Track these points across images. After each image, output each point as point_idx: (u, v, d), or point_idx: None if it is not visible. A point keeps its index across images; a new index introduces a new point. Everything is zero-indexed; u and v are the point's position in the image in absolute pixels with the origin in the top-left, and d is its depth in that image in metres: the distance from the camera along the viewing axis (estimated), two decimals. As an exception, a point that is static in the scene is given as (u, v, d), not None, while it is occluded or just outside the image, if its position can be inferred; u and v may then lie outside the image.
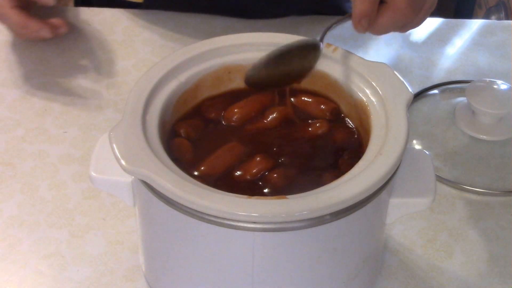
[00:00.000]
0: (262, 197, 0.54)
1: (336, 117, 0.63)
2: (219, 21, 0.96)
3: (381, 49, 0.94)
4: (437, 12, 0.94)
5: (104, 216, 0.73)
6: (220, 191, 0.53)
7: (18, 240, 0.71)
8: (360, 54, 0.68)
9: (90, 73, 0.89)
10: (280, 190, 0.57)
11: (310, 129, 0.62)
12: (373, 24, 0.63)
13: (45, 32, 0.86)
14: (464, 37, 0.96)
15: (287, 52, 0.62)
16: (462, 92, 0.86)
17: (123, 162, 0.55)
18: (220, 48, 0.65)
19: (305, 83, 0.65)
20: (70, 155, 0.79)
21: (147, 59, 0.91)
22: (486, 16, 1.59)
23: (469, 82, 0.84)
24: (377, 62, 0.64)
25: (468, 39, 0.96)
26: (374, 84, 0.62)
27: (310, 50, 0.62)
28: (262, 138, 0.61)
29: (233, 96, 0.65)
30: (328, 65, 0.64)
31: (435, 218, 0.74)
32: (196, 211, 0.54)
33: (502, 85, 0.82)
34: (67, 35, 0.93)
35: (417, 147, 0.81)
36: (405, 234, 0.73)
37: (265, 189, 0.57)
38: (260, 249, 0.56)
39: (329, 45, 0.65)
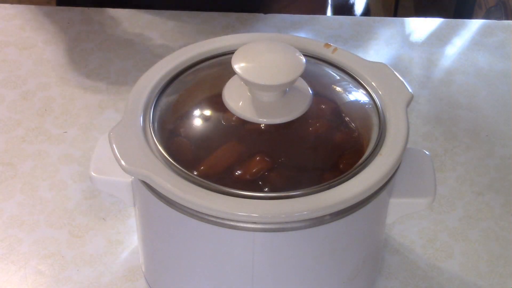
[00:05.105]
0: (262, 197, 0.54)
1: (336, 117, 0.63)
2: (219, 21, 0.96)
3: (381, 49, 0.94)
4: (437, 12, 0.94)
5: (104, 216, 0.73)
6: (222, 187, 0.54)
7: (18, 240, 0.71)
8: (360, 54, 0.68)
9: (90, 73, 0.89)
10: (280, 190, 0.57)
11: (310, 129, 0.62)
12: None
13: None
14: (464, 37, 0.96)
15: None
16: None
17: (123, 162, 0.55)
18: (220, 48, 0.65)
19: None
20: (70, 155, 0.79)
21: (147, 59, 0.91)
22: (486, 16, 1.59)
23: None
24: (377, 62, 0.64)
25: (468, 39, 0.96)
26: (374, 84, 0.62)
27: None
28: (262, 137, 0.61)
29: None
30: (328, 65, 0.64)
31: (435, 218, 0.74)
32: (196, 211, 0.54)
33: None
34: (67, 35, 0.94)
35: (417, 147, 0.81)
36: (405, 234, 0.73)
37: (265, 189, 0.57)
38: (260, 249, 0.56)
39: (329, 45, 0.65)
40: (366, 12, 1.10)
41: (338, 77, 0.64)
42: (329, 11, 1.04)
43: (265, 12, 0.98)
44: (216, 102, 0.64)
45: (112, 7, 0.98)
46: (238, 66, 0.57)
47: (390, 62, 0.91)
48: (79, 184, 0.76)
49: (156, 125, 0.59)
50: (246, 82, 0.57)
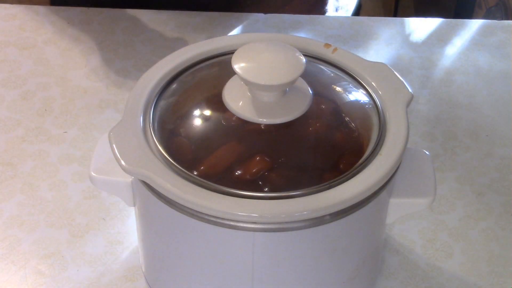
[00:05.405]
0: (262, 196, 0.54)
1: (336, 117, 0.63)
2: (219, 21, 0.96)
3: (381, 49, 0.94)
4: (437, 12, 0.94)
5: (104, 216, 0.73)
6: (222, 187, 0.54)
7: (18, 240, 0.71)
8: (360, 54, 0.68)
9: (90, 73, 0.89)
10: (280, 190, 0.57)
11: (310, 129, 0.62)
12: None
13: None
14: (464, 37, 0.96)
15: None
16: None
17: (123, 162, 0.55)
18: (220, 48, 0.65)
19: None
20: (70, 155, 0.79)
21: (147, 59, 0.91)
22: (486, 16, 1.59)
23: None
24: (377, 62, 0.64)
25: (468, 39, 0.96)
26: (374, 84, 0.62)
27: None
28: (262, 137, 0.61)
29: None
30: (328, 65, 0.64)
31: (435, 218, 0.74)
32: (196, 211, 0.54)
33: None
34: (67, 35, 0.94)
35: (417, 147, 0.81)
36: (405, 234, 0.73)
37: (265, 189, 0.57)
38: (260, 249, 0.56)
39: (328, 45, 0.65)
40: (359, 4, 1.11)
41: (338, 77, 0.64)
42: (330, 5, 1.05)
43: (265, 12, 0.98)
44: (216, 102, 0.64)
45: (112, 7, 0.98)
46: (238, 66, 0.57)
47: (390, 62, 0.91)
48: (79, 184, 0.76)
49: (156, 125, 0.59)
50: (246, 82, 0.57)
